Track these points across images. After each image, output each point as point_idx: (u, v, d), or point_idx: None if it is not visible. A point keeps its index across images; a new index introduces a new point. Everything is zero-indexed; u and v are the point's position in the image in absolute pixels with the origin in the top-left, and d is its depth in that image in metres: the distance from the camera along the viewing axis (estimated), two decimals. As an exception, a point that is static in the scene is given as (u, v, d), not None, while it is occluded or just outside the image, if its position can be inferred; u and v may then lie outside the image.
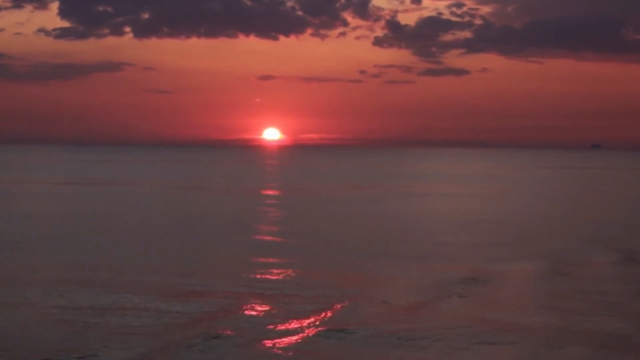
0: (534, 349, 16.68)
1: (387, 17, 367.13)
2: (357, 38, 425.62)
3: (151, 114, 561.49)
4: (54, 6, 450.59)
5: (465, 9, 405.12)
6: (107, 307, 20.00)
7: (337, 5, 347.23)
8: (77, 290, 22.17)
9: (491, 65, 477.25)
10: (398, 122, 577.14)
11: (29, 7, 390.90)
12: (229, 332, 17.62)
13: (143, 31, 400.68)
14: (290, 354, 16.13)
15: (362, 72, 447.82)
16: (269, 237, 36.05)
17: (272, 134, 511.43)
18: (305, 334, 17.52)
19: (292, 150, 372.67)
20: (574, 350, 16.75)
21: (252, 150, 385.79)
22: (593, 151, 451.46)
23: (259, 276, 24.92)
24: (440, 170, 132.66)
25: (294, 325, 18.31)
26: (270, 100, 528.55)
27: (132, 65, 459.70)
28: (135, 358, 15.73)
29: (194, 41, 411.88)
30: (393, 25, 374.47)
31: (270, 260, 28.67)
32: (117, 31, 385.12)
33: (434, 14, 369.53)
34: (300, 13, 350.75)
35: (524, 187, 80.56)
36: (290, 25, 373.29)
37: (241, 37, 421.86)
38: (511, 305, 21.02)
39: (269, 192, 72.29)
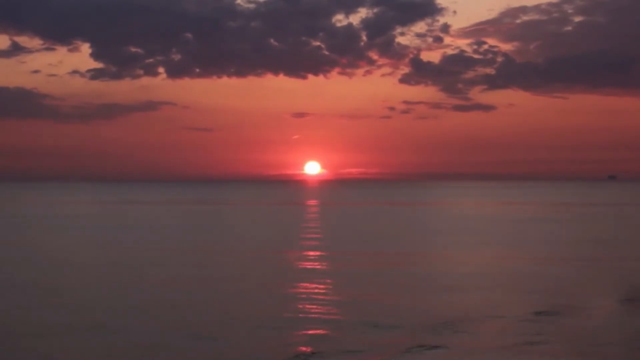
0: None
1: (411, 55, 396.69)
2: (383, 76, 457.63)
3: (193, 151, 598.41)
4: (85, 48, 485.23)
5: (486, 46, 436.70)
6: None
7: (362, 44, 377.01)
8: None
9: (517, 101, 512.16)
10: (431, 156, 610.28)
11: (61, 50, 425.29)
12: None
13: (175, 72, 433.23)
14: None
15: (391, 108, 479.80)
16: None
17: (313, 168, 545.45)
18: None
19: (336, 185, 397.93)
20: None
21: (297, 185, 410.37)
22: (609, 182, 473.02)
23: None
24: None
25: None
26: (308, 136, 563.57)
27: (171, 104, 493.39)
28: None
29: (224, 80, 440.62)
30: (417, 63, 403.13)
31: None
32: (151, 72, 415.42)
33: (456, 52, 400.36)
34: (326, 52, 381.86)
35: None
36: (317, 64, 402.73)
37: (269, 76, 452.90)
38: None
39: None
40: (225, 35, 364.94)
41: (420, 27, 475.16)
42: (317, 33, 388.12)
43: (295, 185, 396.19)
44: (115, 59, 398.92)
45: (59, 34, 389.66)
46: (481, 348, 19.50)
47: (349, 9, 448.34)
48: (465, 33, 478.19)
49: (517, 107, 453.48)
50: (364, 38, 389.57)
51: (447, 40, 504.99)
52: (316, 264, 38.58)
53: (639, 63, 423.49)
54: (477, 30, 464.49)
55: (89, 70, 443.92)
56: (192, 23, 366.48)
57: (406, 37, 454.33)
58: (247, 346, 19.58)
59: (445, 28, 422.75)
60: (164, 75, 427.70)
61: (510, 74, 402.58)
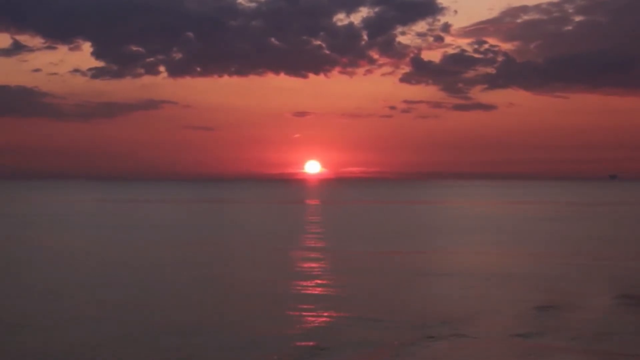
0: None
1: (412, 54, 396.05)
2: (384, 75, 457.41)
3: (194, 149, 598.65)
4: (86, 46, 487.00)
5: (486, 46, 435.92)
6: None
7: (363, 43, 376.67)
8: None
9: (518, 101, 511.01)
10: (432, 155, 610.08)
11: (62, 49, 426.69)
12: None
13: (176, 71, 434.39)
14: None
15: (392, 107, 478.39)
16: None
17: (313, 167, 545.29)
18: None
19: (337, 184, 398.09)
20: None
21: (298, 184, 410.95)
22: (611, 182, 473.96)
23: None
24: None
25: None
26: (309, 135, 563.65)
27: (172, 103, 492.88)
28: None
29: (225, 80, 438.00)
30: (417, 63, 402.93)
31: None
32: (152, 70, 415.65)
33: (457, 51, 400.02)
34: (327, 52, 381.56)
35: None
36: (318, 64, 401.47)
37: (270, 75, 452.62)
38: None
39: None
40: (227, 34, 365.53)
41: (420, 26, 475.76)
42: (318, 32, 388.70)
43: (296, 184, 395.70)
44: (116, 58, 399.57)
45: (60, 32, 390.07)
46: (484, 341, 19.72)
47: (350, 8, 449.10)
48: (465, 32, 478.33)
49: (517, 106, 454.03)
50: (365, 37, 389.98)
51: (448, 39, 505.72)
52: (320, 262, 38.67)
53: (639, 63, 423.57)
54: (478, 30, 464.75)
55: (90, 69, 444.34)
56: (193, 22, 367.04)
57: (407, 36, 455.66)
58: (249, 344, 19.68)
59: (446, 27, 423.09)
60: (165, 74, 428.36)
61: (511, 73, 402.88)
